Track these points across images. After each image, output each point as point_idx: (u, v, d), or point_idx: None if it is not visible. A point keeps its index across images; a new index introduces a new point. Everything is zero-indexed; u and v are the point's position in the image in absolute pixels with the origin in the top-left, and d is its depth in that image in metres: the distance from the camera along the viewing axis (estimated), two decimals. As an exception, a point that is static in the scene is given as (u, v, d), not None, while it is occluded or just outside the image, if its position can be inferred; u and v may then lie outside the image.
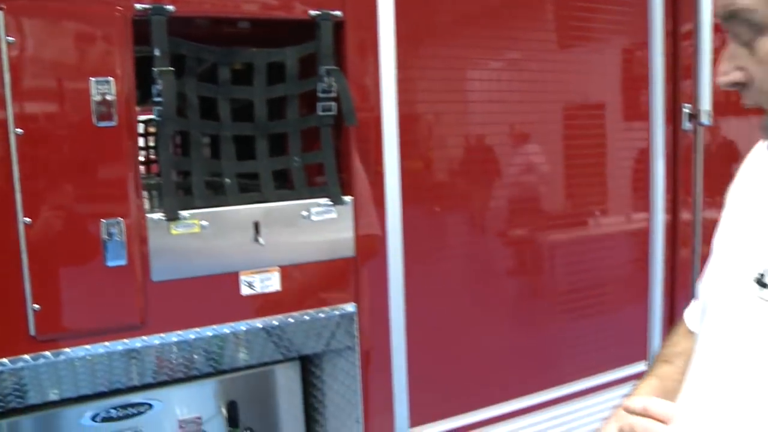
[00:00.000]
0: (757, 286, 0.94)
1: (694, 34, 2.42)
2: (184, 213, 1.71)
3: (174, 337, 1.72)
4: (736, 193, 1.13)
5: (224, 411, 1.92)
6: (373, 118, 1.91)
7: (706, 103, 2.44)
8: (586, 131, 2.33)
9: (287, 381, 2.03)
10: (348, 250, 1.92)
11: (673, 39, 2.45)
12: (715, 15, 1.07)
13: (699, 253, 2.55)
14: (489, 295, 2.20)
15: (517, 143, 2.19)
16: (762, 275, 0.94)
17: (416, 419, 2.08)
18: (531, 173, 2.21)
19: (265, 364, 1.97)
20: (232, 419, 1.94)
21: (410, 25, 1.94)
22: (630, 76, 2.41)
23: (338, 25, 1.84)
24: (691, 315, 1.26)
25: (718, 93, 2.45)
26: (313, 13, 1.79)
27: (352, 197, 1.90)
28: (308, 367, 2.08)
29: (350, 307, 1.95)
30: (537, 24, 2.20)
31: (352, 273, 1.94)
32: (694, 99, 2.46)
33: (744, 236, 1.02)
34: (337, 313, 1.92)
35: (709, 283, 1.09)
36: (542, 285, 2.30)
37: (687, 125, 2.49)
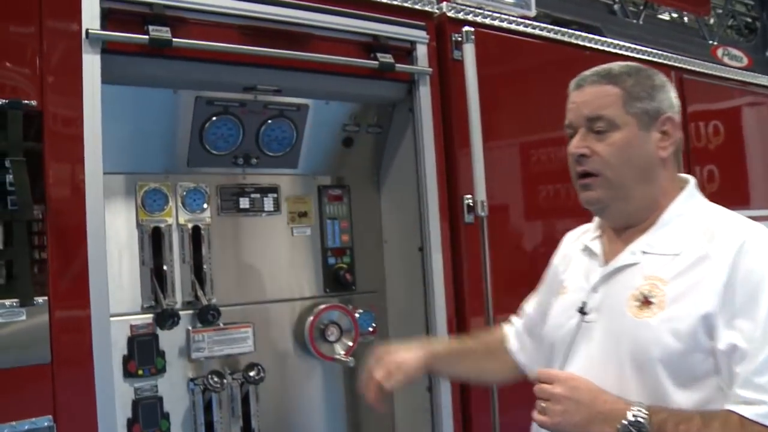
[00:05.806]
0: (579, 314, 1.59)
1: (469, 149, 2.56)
2: None
3: None
4: (561, 257, 1.81)
5: None
6: (76, 214, 1.80)
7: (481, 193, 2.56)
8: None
9: None
10: (42, 356, 1.75)
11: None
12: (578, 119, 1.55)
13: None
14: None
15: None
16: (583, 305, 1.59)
17: None
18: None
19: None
20: None
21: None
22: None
23: (34, 115, 1.75)
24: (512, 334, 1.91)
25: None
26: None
27: (46, 297, 1.75)
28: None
29: (46, 422, 1.76)
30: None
31: (48, 381, 1.76)
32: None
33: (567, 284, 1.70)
34: (27, 427, 1.73)
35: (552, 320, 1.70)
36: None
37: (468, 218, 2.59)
